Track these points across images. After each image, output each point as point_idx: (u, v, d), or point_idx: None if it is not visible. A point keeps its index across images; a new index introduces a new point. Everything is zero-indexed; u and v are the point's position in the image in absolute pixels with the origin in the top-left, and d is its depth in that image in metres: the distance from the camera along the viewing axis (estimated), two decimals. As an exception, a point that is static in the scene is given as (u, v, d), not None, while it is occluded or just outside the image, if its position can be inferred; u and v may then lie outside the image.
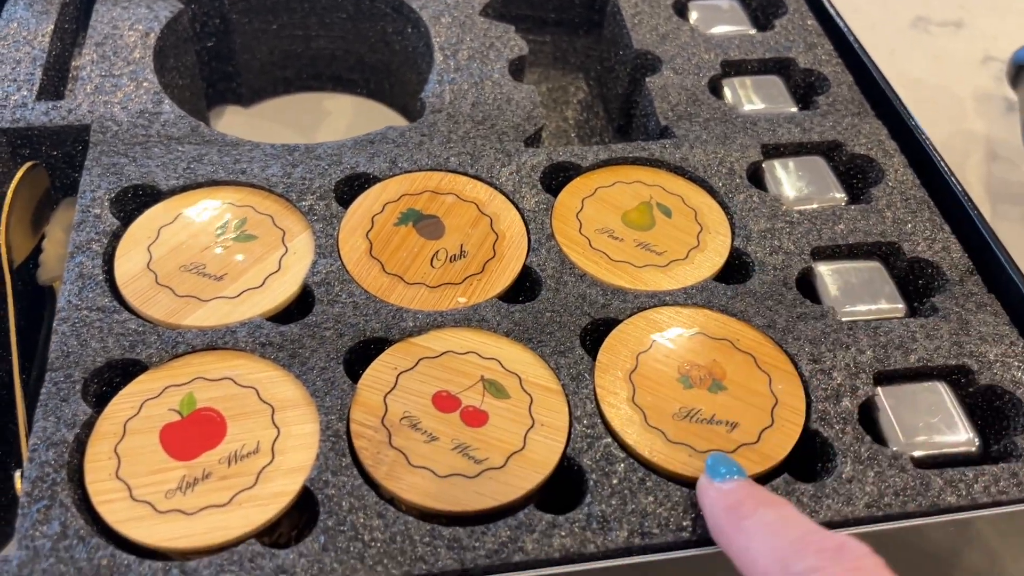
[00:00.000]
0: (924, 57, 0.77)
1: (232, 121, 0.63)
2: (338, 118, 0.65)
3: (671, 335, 0.42)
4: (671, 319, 0.42)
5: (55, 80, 0.52)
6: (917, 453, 0.39)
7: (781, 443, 0.38)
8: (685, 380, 0.40)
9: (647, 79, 0.54)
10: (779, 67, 0.57)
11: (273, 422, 0.37)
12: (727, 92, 0.55)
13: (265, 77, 0.63)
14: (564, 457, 0.37)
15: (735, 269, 0.45)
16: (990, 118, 0.71)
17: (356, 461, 0.36)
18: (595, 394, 0.39)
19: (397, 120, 0.65)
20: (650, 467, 0.37)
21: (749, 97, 0.54)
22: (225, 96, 0.64)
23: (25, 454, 0.38)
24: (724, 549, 0.32)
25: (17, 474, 0.36)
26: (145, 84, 0.51)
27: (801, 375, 0.40)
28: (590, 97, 0.64)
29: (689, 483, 0.36)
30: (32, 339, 0.48)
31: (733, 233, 0.46)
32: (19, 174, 0.46)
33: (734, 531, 0.31)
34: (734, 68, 0.56)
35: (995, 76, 0.75)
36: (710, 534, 0.33)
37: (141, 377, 0.39)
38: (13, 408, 0.44)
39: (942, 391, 0.41)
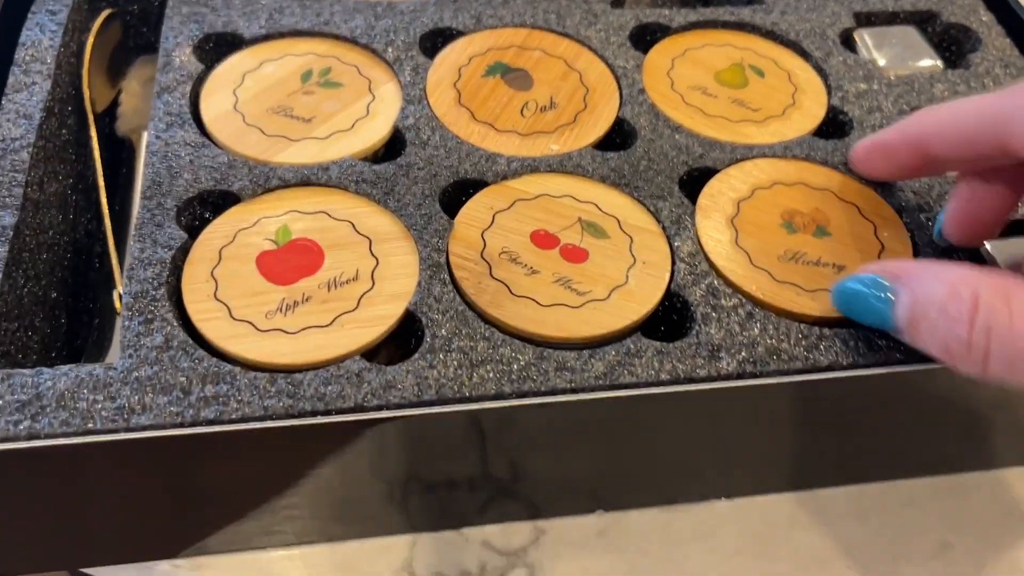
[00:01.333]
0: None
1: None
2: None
3: (772, 184, 0.40)
4: (772, 169, 0.41)
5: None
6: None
7: None
8: (788, 226, 0.39)
9: (732, -51, 0.52)
10: (866, -57, 0.55)
11: (371, 252, 0.37)
12: (813, -34, 0.53)
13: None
14: (669, 292, 0.36)
15: (833, 127, 0.44)
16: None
17: (457, 291, 0.36)
18: (697, 236, 0.38)
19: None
20: (758, 303, 0.36)
21: (837, -30, 0.53)
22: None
23: (119, 281, 0.37)
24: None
25: (115, 294, 0.36)
26: (221, -59, 0.49)
27: (907, 226, 0.39)
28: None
29: (799, 319, 0.35)
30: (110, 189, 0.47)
31: (829, 94, 0.45)
32: (98, 22, 0.45)
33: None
34: (821, -59, 0.54)
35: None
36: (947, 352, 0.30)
37: (233, 209, 0.38)
38: (91, 257, 0.44)
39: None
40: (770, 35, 0.48)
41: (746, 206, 0.39)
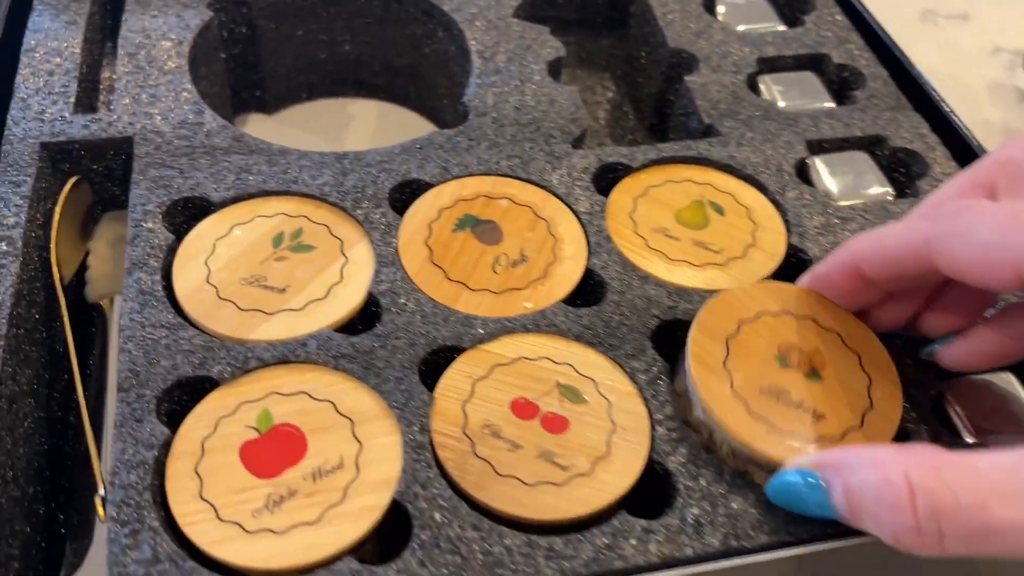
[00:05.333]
0: (934, 49, 0.78)
1: (257, 129, 0.62)
2: (363, 123, 0.65)
3: (779, 311, 0.40)
4: (784, 296, 0.41)
5: (88, 92, 0.51)
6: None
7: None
8: (783, 359, 0.39)
9: (686, 77, 0.54)
10: (813, 63, 0.57)
11: (354, 435, 0.37)
12: (763, 89, 0.55)
13: (290, 83, 0.63)
14: (650, 461, 0.37)
15: (794, 266, 0.46)
16: (1005, 107, 0.72)
17: (442, 472, 0.36)
18: (689, 350, 0.38)
19: (424, 125, 0.64)
20: (728, 433, 0.36)
21: (786, 93, 0.55)
22: (249, 104, 0.63)
23: (99, 478, 0.37)
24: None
25: (98, 499, 0.36)
26: (184, 94, 0.50)
27: (903, 383, 0.40)
28: (618, 96, 0.63)
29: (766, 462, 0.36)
30: (82, 360, 0.47)
31: (788, 230, 0.47)
32: (65, 190, 0.45)
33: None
34: (769, 65, 0.56)
35: (1005, 67, 0.76)
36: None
37: (212, 394, 0.38)
38: (66, 430, 0.43)
39: None
40: (727, 168, 0.49)
41: (747, 327, 0.39)
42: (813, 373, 0.39)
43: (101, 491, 0.36)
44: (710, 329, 0.39)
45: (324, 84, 0.64)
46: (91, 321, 0.48)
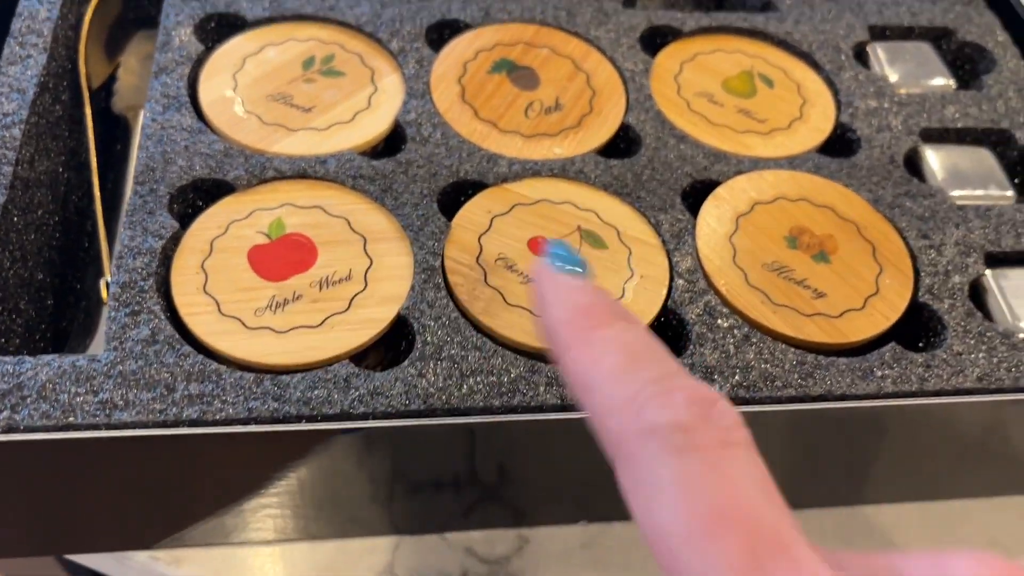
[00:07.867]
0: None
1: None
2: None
3: (796, 199, 0.40)
4: (799, 184, 0.40)
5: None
6: (1026, 336, 0.37)
7: (861, 328, 0.36)
8: (792, 241, 0.38)
9: (749, -48, 0.51)
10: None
11: (365, 252, 0.36)
12: (830, -27, 0.52)
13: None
14: (665, 309, 0.36)
15: (839, 144, 0.43)
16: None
17: (451, 297, 0.35)
18: (697, 252, 0.37)
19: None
20: (755, 326, 0.35)
21: (854, -21, 0.52)
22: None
23: (107, 267, 0.37)
24: (558, 359, 0.22)
25: (103, 282, 0.35)
26: (228, -85, 0.48)
27: (910, 250, 0.39)
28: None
29: (796, 344, 0.35)
30: (104, 170, 0.46)
31: (838, 109, 0.44)
32: (97, -5, 0.44)
33: (578, 340, 0.21)
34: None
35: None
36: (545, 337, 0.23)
37: (227, 199, 0.37)
38: (82, 236, 0.43)
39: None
40: (782, 44, 0.47)
41: (760, 208, 0.39)
42: (821, 256, 0.38)
43: (107, 277, 0.35)
44: (725, 203, 0.39)
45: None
46: (114, 135, 0.47)
